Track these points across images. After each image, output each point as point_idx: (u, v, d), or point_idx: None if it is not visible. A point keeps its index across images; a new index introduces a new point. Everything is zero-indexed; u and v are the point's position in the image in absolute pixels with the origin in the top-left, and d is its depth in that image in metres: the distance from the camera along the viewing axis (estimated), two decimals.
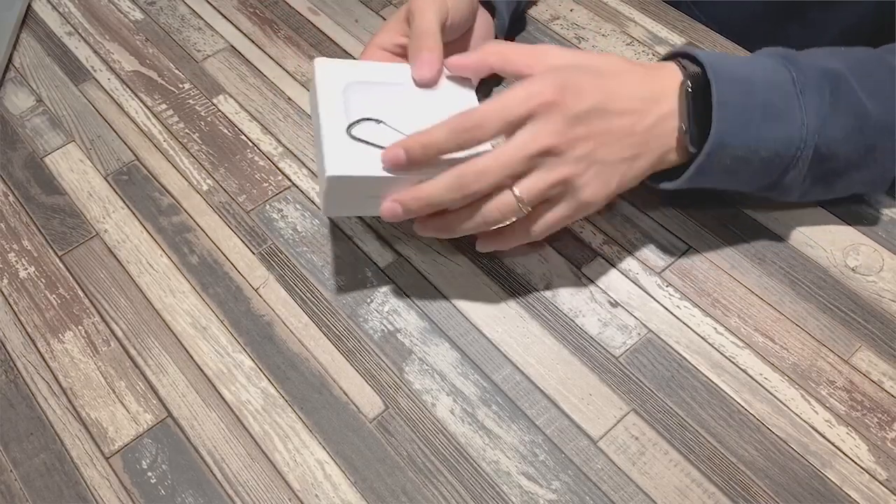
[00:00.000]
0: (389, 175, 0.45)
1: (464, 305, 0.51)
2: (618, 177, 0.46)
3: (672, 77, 0.47)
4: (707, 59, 0.46)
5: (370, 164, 0.45)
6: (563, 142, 0.44)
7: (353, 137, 0.46)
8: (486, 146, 0.45)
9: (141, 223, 0.57)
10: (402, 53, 0.52)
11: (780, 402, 0.47)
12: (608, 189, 0.46)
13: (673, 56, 0.49)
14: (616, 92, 0.45)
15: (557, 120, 0.43)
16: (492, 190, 0.44)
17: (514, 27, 0.66)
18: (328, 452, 0.46)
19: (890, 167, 0.49)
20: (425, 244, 0.54)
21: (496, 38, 0.60)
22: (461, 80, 0.51)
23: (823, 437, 0.45)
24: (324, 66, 0.49)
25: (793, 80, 0.46)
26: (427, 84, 0.49)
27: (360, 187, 0.46)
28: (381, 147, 0.45)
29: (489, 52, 0.48)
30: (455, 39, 0.55)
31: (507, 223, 0.46)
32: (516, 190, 0.44)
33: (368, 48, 0.53)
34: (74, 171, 0.60)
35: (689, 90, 0.46)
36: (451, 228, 0.47)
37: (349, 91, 0.48)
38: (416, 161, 0.44)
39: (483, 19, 0.58)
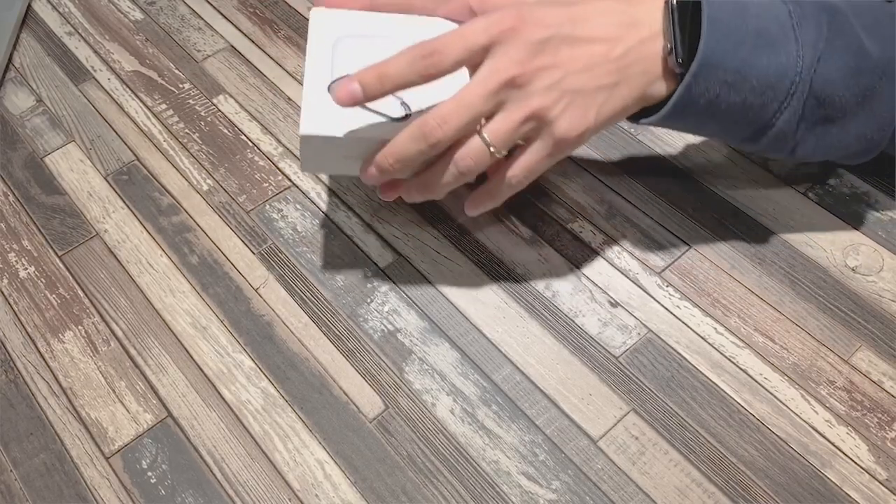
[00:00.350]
0: (362, 136, 0.43)
1: (464, 305, 0.51)
2: (595, 107, 0.42)
3: (654, 1, 0.44)
4: None
5: (345, 124, 0.43)
6: (527, 71, 0.40)
7: None
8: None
9: (141, 223, 0.57)
10: None
11: (780, 402, 0.47)
12: (586, 121, 0.42)
13: None
14: (584, 18, 0.42)
15: (519, 48, 0.40)
16: (459, 136, 0.41)
17: None
18: (328, 452, 0.46)
19: (889, 116, 0.46)
20: (425, 244, 0.54)
21: None
22: None
23: (823, 437, 0.45)
24: (319, 17, 0.47)
25: (789, 13, 0.43)
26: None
27: (333, 147, 0.44)
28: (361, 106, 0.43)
29: None
30: None
31: (489, 179, 0.44)
32: (484, 132, 0.41)
33: None
34: (74, 171, 0.60)
35: (674, 4, 0.42)
36: (430, 186, 0.45)
37: (340, 45, 0.46)
38: (373, 94, 0.41)
39: None
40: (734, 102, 0.43)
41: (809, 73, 0.43)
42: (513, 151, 0.44)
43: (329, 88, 0.44)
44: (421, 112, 0.44)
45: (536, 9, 0.42)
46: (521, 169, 0.44)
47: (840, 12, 0.44)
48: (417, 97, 0.44)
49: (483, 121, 0.42)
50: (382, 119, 0.44)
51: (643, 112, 0.45)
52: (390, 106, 0.44)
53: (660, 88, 0.44)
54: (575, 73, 0.41)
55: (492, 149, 0.42)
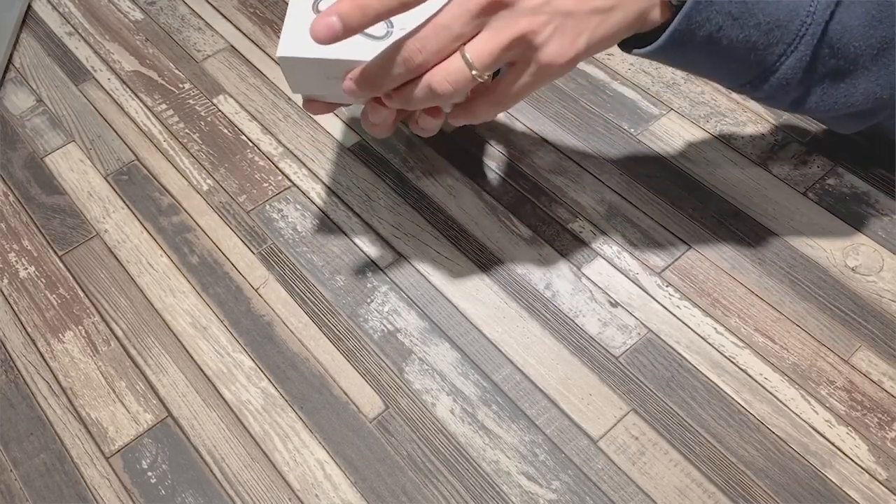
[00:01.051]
0: (341, 58, 0.40)
1: (464, 305, 0.51)
2: (587, 32, 0.39)
3: None
4: None
5: (322, 46, 0.40)
6: None
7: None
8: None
9: (141, 223, 0.57)
10: None
11: (780, 402, 0.47)
12: (576, 46, 0.39)
13: None
14: None
15: None
16: (440, 59, 0.38)
17: None
18: (328, 452, 0.46)
19: None
20: (425, 244, 0.54)
21: None
22: None
23: (823, 437, 0.45)
24: None
25: None
26: None
27: (314, 68, 0.42)
28: None
29: None
30: None
31: (471, 98, 0.42)
32: (467, 53, 0.38)
33: None
34: (74, 171, 0.60)
35: None
36: (407, 100, 0.41)
37: None
38: (353, 29, 0.37)
39: None
40: (736, 38, 0.40)
41: (824, 17, 0.39)
42: (496, 75, 0.41)
43: (314, 8, 0.42)
44: (403, 31, 0.41)
45: None
46: (504, 94, 0.41)
47: None
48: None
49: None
50: (363, 38, 0.42)
51: (636, 42, 0.42)
52: None
53: (655, 15, 0.40)
54: None
55: (474, 72, 0.38)
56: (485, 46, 0.38)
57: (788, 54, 0.40)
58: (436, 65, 0.38)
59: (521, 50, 0.39)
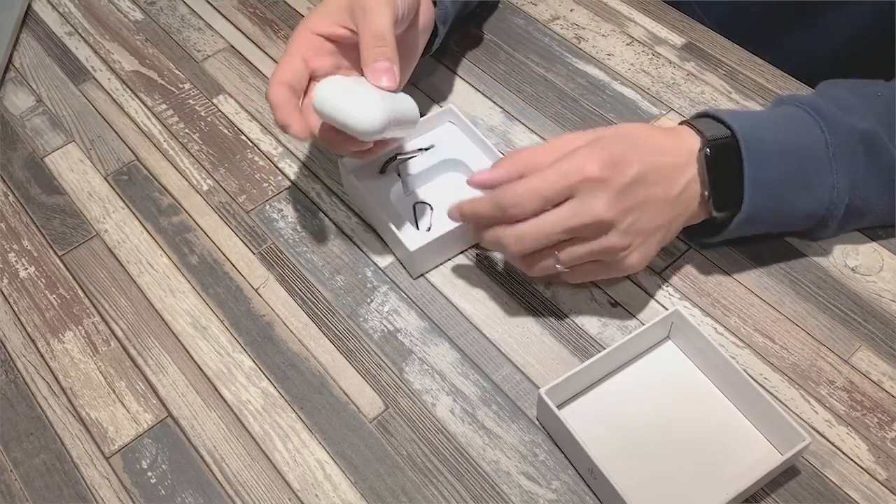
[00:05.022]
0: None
1: (464, 305, 0.51)
2: (657, 244, 0.47)
3: (691, 142, 0.47)
4: (737, 125, 0.46)
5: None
6: (610, 217, 0.44)
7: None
8: None
9: (141, 223, 0.57)
10: (338, 42, 0.50)
11: (781, 402, 0.47)
12: (648, 256, 0.47)
13: (693, 118, 0.49)
14: (653, 160, 0.45)
15: (604, 195, 0.44)
16: (532, 215, 0.45)
17: (457, 23, 0.64)
18: (328, 452, 0.46)
19: None
20: None
21: (437, 28, 0.57)
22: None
23: (823, 437, 0.45)
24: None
25: (826, 144, 0.47)
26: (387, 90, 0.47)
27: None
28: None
29: (514, 162, 0.47)
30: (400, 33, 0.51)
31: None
32: (560, 255, 0.46)
33: (301, 33, 0.49)
34: (74, 171, 0.60)
35: (707, 155, 0.46)
36: (497, 243, 0.47)
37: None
38: (467, 218, 0.48)
39: (425, 6, 0.54)
40: (777, 231, 0.51)
41: (845, 199, 0.48)
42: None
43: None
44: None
45: (616, 151, 0.44)
46: (577, 273, 0.49)
47: (876, 138, 0.48)
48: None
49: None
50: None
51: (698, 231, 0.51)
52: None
53: (701, 216, 0.49)
54: (646, 213, 0.45)
55: (559, 266, 0.46)
56: (578, 253, 0.45)
57: (822, 227, 0.50)
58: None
59: (606, 256, 0.46)
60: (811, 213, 0.48)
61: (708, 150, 0.46)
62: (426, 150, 0.55)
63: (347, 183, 0.56)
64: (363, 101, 0.44)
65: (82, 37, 0.69)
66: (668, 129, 0.48)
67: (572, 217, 0.44)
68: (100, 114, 0.64)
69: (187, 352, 0.51)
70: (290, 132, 0.46)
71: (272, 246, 0.55)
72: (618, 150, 0.45)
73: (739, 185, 0.46)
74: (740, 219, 0.47)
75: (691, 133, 0.47)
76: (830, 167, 0.47)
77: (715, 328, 0.50)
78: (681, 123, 0.49)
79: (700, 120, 0.49)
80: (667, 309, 0.50)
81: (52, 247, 0.56)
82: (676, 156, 0.46)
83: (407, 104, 0.48)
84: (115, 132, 0.63)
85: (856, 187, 0.48)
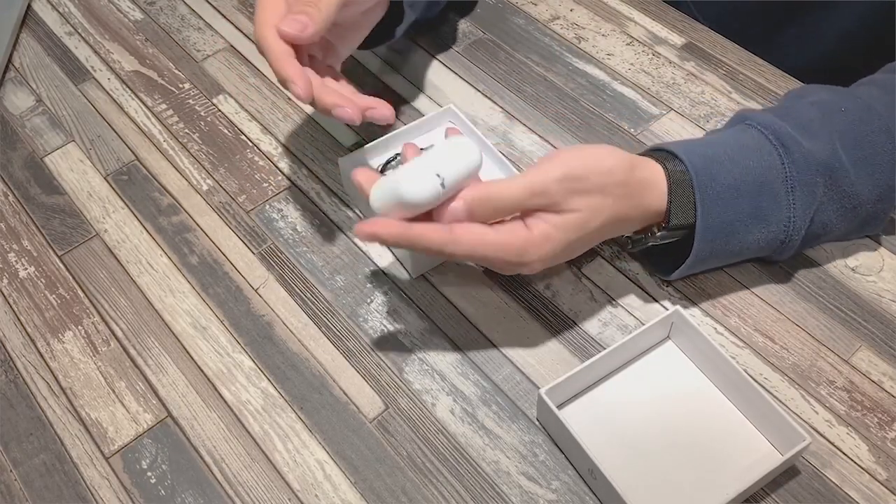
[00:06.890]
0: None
1: (464, 305, 0.51)
2: (588, 247, 0.48)
3: (657, 174, 0.47)
4: (691, 162, 0.46)
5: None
6: (538, 269, 0.45)
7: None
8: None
9: (141, 223, 0.57)
10: None
11: (781, 402, 0.47)
12: (571, 257, 0.48)
13: (652, 150, 0.49)
14: (604, 234, 0.46)
15: (541, 264, 0.45)
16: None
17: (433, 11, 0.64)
18: (328, 452, 0.46)
19: (882, 221, 0.51)
20: None
21: (405, 11, 0.56)
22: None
23: (823, 437, 0.45)
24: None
25: (785, 178, 0.46)
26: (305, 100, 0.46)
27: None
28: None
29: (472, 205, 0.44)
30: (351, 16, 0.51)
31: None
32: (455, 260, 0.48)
33: (264, 29, 0.47)
34: (74, 171, 0.60)
35: (671, 187, 0.46)
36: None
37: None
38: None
39: None
40: (733, 262, 0.51)
41: (801, 231, 0.47)
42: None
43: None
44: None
45: (562, 255, 0.45)
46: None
47: (836, 168, 0.47)
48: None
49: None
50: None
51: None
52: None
53: (638, 226, 0.49)
54: (586, 244, 0.47)
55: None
56: (479, 261, 0.45)
57: (779, 253, 0.49)
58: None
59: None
60: (765, 245, 0.48)
61: (671, 180, 0.46)
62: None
63: (347, 183, 0.56)
64: (413, 178, 0.42)
65: (82, 37, 0.69)
66: (635, 160, 0.46)
67: (497, 252, 0.43)
68: (100, 114, 0.64)
69: (187, 352, 0.51)
70: (292, 89, 0.45)
71: (272, 246, 0.55)
72: (568, 253, 0.46)
73: (692, 215, 0.46)
74: (691, 260, 0.47)
75: (655, 166, 0.47)
76: (788, 201, 0.46)
77: (715, 328, 0.50)
78: (643, 154, 0.48)
79: (658, 153, 0.48)
80: (667, 309, 0.50)
81: (51, 247, 0.56)
82: (640, 221, 0.47)
83: (459, 150, 0.44)
84: (115, 132, 0.63)
85: (815, 215, 0.47)
